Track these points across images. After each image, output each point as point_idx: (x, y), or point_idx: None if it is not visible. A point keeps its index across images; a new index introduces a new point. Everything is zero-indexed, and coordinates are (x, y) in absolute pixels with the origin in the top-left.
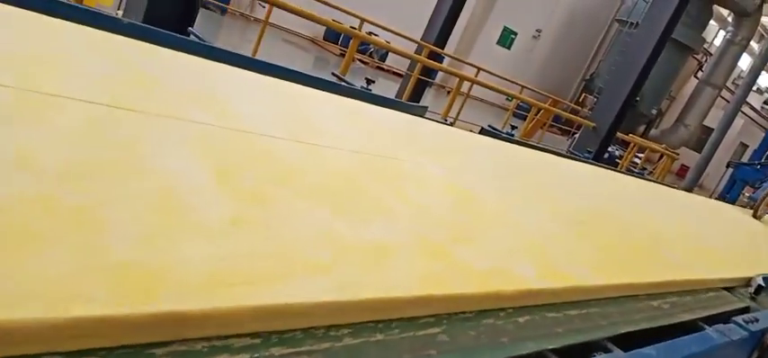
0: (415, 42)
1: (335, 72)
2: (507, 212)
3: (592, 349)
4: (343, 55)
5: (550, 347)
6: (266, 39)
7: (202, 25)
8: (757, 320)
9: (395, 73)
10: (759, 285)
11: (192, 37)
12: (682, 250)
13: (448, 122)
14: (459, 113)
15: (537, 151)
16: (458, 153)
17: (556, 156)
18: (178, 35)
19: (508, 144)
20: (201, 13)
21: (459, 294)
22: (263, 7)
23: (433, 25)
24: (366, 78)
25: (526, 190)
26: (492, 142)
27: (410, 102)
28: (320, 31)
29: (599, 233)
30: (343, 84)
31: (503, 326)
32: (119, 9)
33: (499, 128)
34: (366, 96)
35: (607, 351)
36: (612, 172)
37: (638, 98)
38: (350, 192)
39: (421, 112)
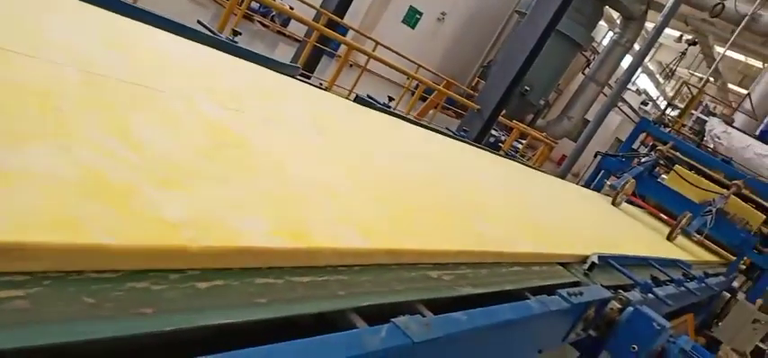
0: (314, 9)
1: (201, 20)
2: (283, 163)
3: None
4: (246, 16)
5: (208, 323)
6: None
7: None
8: (581, 294)
9: (296, 39)
10: (593, 262)
11: None
12: (515, 225)
13: (322, 87)
14: (355, 85)
15: (398, 121)
16: (272, 103)
17: (422, 130)
18: None
19: (362, 109)
20: None
21: (95, 245)
22: None
23: None
24: (233, 30)
25: (337, 148)
26: (338, 102)
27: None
28: None
29: (406, 199)
30: (210, 34)
31: (143, 293)
32: None
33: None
34: (229, 48)
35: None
36: (474, 148)
37: (528, 88)
38: (23, 111)
39: (292, 72)
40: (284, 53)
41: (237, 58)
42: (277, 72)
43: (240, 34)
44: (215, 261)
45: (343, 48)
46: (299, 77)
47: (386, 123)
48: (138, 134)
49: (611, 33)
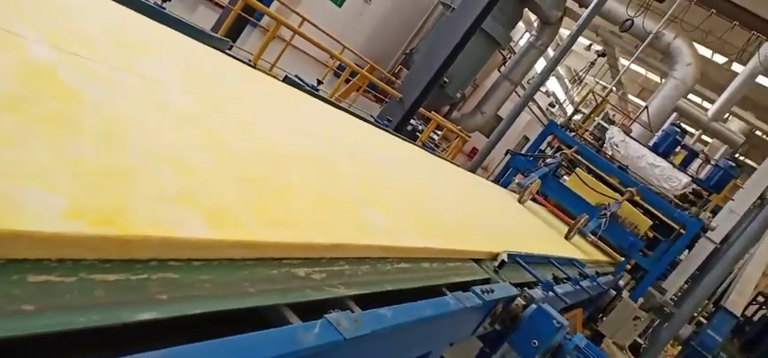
0: None
1: None
2: (120, 124)
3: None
4: None
5: None
6: None
7: None
8: (492, 291)
9: (217, 4)
10: (503, 260)
11: None
12: (414, 216)
13: (250, 64)
14: (277, 61)
15: (305, 95)
16: (137, 54)
17: (334, 110)
18: None
19: (265, 77)
20: None
21: None
22: None
23: None
24: None
25: (205, 114)
26: (232, 66)
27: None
28: None
29: (284, 181)
30: None
31: None
32: None
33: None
34: (158, 16)
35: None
36: (387, 134)
37: (447, 79)
38: None
39: (223, 46)
40: (204, 17)
41: (151, 22)
42: (206, 46)
43: (168, 0)
44: None
45: (267, 19)
46: (227, 52)
47: (289, 96)
48: None
49: (527, 34)
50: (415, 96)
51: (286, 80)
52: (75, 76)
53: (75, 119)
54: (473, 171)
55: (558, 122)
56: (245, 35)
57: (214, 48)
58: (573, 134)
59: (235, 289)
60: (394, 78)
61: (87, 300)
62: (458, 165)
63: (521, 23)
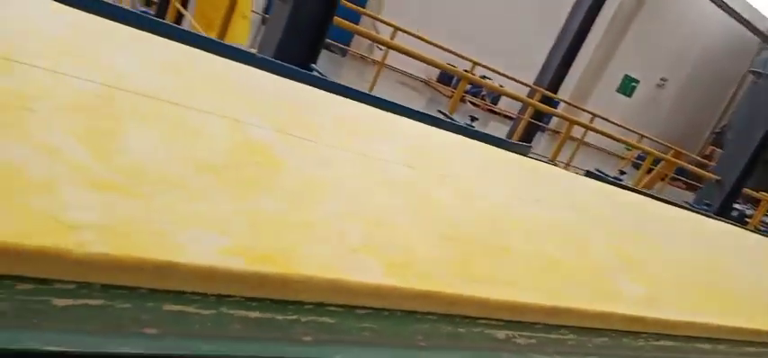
0: (528, 86)
1: (442, 109)
2: (315, 184)
3: None
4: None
5: None
6: (382, 80)
7: (324, 65)
8: None
9: (506, 116)
10: None
11: (314, 72)
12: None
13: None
14: (571, 158)
15: (635, 194)
16: (362, 138)
17: (661, 203)
18: (300, 69)
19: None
20: (324, 54)
21: None
22: (381, 50)
23: (547, 69)
24: (470, 116)
25: (419, 180)
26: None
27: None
28: (434, 72)
29: (501, 243)
30: (447, 120)
31: None
32: (253, 47)
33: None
34: (468, 133)
35: None
36: (734, 227)
37: None
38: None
39: (524, 151)
40: (495, 131)
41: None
42: (508, 151)
43: (476, 119)
44: (109, 274)
45: (555, 121)
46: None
47: (557, 177)
48: (124, 142)
49: None
50: (736, 176)
51: (588, 174)
52: (286, 150)
53: (269, 181)
54: None
55: None
56: (535, 141)
57: (516, 153)
58: None
59: (403, 340)
60: (706, 160)
61: (218, 332)
62: None
63: None
